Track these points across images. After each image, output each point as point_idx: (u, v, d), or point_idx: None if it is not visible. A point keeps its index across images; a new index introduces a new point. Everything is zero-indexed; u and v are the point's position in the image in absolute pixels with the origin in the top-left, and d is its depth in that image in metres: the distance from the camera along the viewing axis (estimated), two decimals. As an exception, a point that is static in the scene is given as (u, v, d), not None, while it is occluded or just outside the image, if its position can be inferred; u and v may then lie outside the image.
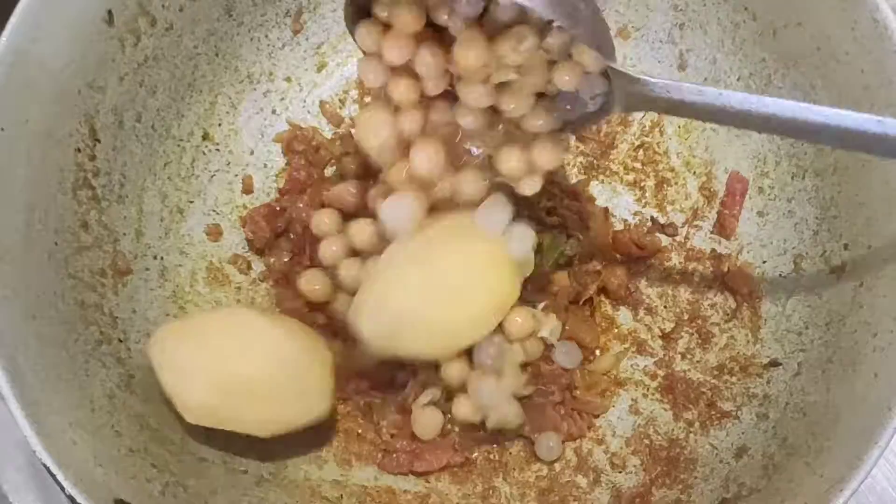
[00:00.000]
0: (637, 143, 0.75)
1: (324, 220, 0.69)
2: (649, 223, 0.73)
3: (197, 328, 0.64)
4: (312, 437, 0.65)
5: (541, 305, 0.69)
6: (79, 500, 0.50)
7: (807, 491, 0.54)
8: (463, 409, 0.65)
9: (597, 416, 0.68)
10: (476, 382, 0.63)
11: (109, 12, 0.64)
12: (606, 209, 0.73)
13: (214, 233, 0.72)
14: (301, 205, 0.71)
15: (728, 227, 0.71)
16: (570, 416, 0.67)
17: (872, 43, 0.59)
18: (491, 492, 0.66)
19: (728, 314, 0.69)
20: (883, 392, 0.53)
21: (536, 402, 0.67)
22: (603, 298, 0.72)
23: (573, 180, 0.75)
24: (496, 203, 0.62)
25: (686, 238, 0.73)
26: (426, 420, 0.65)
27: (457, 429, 0.67)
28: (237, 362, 0.60)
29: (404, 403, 0.66)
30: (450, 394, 0.66)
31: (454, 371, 0.64)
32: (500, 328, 0.64)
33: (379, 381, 0.68)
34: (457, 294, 0.60)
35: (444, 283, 0.60)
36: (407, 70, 0.57)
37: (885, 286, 0.58)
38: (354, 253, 0.67)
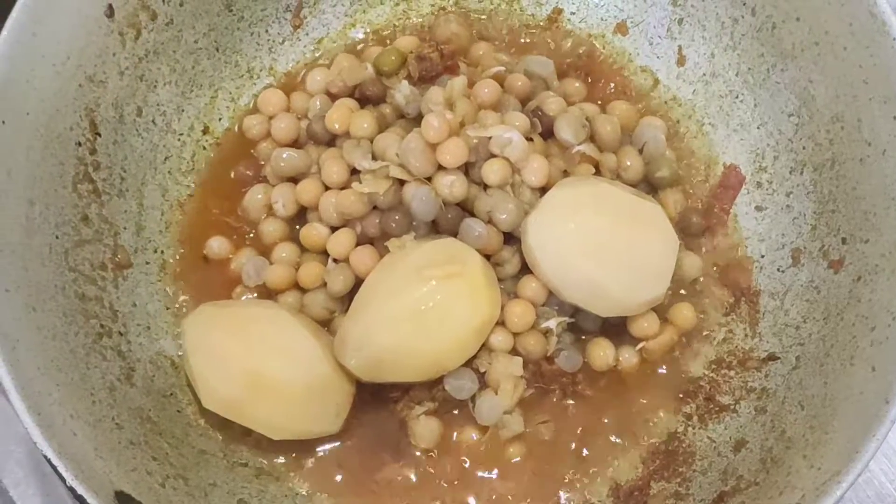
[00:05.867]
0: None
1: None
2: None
3: (238, 316, 0.63)
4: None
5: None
6: (79, 491, 0.50)
7: (805, 483, 0.54)
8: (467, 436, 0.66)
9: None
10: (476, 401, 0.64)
11: (110, 6, 0.64)
12: None
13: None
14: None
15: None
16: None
17: (870, 38, 0.59)
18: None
19: (726, 308, 0.69)
20: (880, 386, 0.54)
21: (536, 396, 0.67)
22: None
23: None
24: None
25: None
26: (422, 430, 0.65)
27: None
28: (272, 363, 0.60)
29: (399, 416, 0.66)
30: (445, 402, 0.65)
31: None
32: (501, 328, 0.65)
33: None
34: (438, 323, 0.60)
35: (425, 313, 0.60)
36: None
37: (882, 280, 0.58)
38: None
